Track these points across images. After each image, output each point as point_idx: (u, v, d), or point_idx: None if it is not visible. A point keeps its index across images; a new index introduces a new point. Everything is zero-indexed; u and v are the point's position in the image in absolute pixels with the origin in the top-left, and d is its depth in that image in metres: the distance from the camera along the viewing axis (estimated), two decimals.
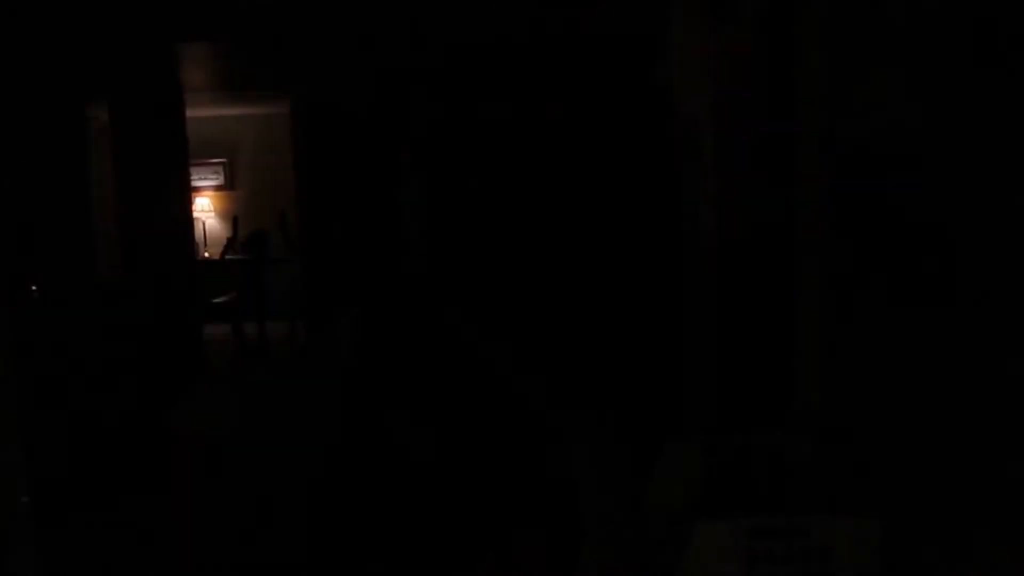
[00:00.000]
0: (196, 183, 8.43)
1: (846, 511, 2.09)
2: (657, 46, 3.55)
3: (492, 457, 3.99)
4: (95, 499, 3.69)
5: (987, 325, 1.73)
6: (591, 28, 4.73)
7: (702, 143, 2.94)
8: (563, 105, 5.02)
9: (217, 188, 9.05)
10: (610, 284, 4.65)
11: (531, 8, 4.73)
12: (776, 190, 2.49)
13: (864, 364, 2.13)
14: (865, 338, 2.12)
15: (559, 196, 5.12)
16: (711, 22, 2.85)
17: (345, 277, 6.62)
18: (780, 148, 2.47)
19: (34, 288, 3.97)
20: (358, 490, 3.79)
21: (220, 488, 3.89)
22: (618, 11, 4.51)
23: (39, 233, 4.36)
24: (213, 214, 9.00)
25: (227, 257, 7.56)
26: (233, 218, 8.10)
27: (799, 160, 2.33)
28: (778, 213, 2.47)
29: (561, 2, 4.63)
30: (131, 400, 4.91)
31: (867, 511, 2.04)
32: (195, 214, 8.03)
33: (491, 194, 5.49)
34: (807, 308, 2.33)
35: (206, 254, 8.57)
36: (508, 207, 5.41)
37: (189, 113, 6.75)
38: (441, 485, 3.77)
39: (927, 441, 1.96)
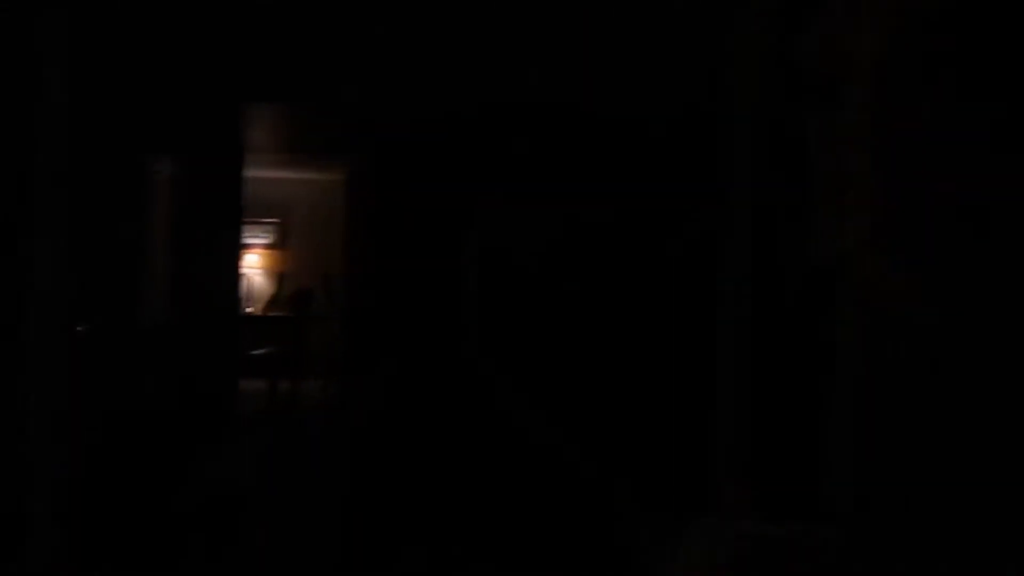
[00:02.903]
0: (248, 240, 8.64)
1: None
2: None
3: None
4: (122, 540, 3.70)
5: None
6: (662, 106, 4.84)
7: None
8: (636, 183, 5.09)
9: (268, 246, 9.27)
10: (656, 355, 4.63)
11: (610, 80, 4.81)
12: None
13: (899, 456, 2.07)
14: (900, 429, 2.06)
15: (613, 278, 5.16)
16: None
17: (385, 343, 6.68)
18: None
19: (79, 328, 4.07)
20: (377, 551, 3.74)
21: (241, 534, 3.88)
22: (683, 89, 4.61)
23: (92, 274, 4.50)
24: (261, 271, 9.19)
25: (270, 313, 7.69)
26: (279, 275, 8.26)
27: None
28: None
29: (625, 79, 4.75)
30: (162, 443, 4.95)
31: None
32: (243, 270, 8.21)
33: (555, 278, 5.53)
34: (840, 395, 2.28)
35: (250, 309, 8.72)
36: (570, 291, 5.44)
37: (249, 173, 6.98)
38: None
39: (963, 538, 1.88)
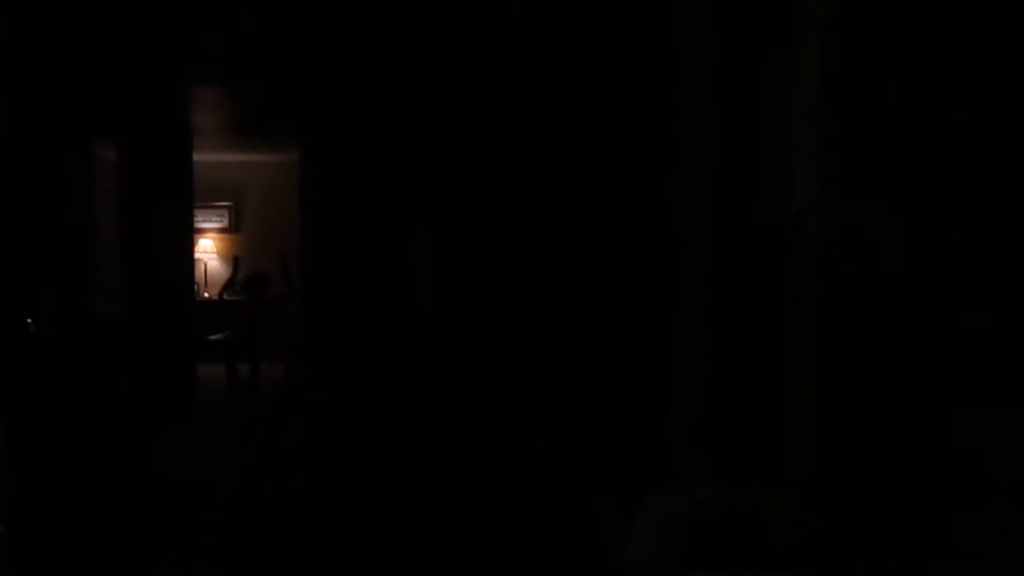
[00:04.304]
0: (201, 224, 8.51)
1: (828, 570, 2.07)
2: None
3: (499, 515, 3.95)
4: (79, 531, 3.65)
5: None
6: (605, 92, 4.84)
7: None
8: (577, 166, 5.10)
9: (221, 230, 9.13)
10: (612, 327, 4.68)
11: (552, 62, 4.79)
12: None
13: (853, 419, 2.13)
14: (854, 393, 2.11)
15: (566, 252, 5.18)
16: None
17: (345, 323, 6.63)
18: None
19: (29, 320, 3.98)
20: (338, 533, 3.75)
21: (201, 521, 3.86)
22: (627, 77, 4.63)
23: (40, 265, 4.40)
24: (216, 255, 9.06)
25: (225, 297, 7.59)
26: (234, 258, 8.16)
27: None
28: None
29: (579, 62, 4.73)
30: (120, 435, 4.88)
31: (849, 571, 2.01)
32: (197, 255, 8.09)
33: (505, 250, 5.53)
34: (795, 359, 2.33)
35: (206, 294, 8.61)
36: (521, 264, 5.45)
37: (198, 157, 6.85)
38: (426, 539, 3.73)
39: (914, 501, 1.95)
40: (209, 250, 9.02)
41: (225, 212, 9.11)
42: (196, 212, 7.24)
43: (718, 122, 2.76)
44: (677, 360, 3.03)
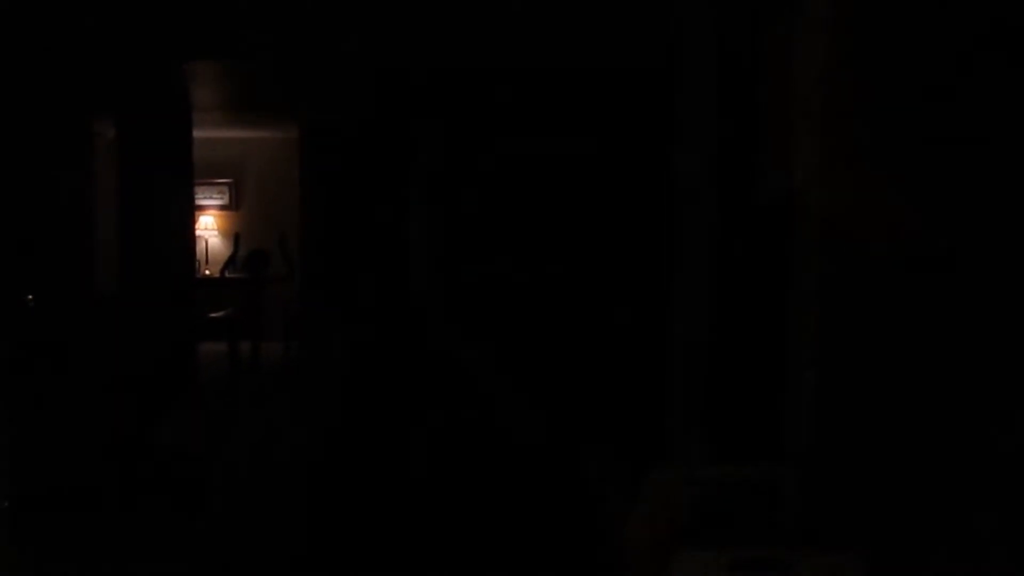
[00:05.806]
0: (201, 202, 8.48)
1: (830, 546, 2.06)
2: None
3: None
4: (81, 509, 3.66)
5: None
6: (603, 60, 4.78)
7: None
8: (573, 139, 5.06)
9: (221, 208, 9.10)
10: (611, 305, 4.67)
11: (548, 39, 4.74)
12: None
13: (857, 397, 2.11)
14: (858, 370, 2.10)
15: (566, 234, 5.16)
16: None
17: (344, 302, 6.62)
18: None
19: (30, 297, 3.98)
20: (340, 509, 3.76)
21: (201, 500, 3.87)
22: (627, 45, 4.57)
23: (39, 243, 4.38)
24: (216, 233, 9.04)
25: (226, 275, 7.59)
26: (235, 235, 8.14)
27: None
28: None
29: (572, 34, 4.68)
30: (120, 412, 4.89)
31: (851, 546, 2.01)
32: (198, 232, 8.06)
33: (504, 230, 5.50)
34: (799, 336, 2.31)
35: (207, 272, 8.60)
36: (520, 243, 5.42)
37: (198, 134, 6.81)
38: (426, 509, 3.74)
39: (915, 477, 1.94)
40: (210, 227, 9.00)
41: (226, 189, 9.07)
42: (196, 189, 7.20)
43: (720, 90, 2.72)
44: (678, 339, 3.01)
